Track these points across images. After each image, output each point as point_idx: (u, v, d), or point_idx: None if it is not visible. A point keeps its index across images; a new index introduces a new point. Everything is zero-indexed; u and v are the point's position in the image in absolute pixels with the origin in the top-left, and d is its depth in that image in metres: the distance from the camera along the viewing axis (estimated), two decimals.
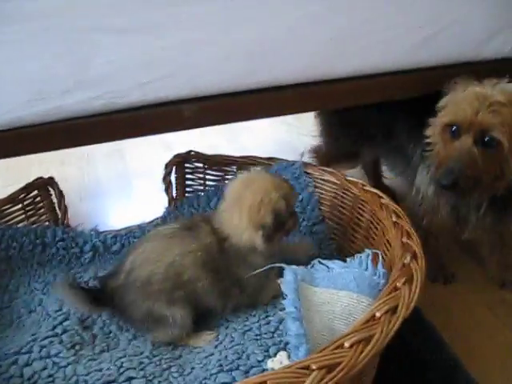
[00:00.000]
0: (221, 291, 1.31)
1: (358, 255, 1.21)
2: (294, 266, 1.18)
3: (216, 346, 1.24)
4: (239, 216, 1.27)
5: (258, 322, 1.29)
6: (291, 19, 1.31)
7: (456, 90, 1.39)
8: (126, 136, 1.34)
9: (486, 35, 1.51)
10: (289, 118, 2.95)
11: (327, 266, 1.20)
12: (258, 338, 1.24)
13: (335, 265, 1.20)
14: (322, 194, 1.56)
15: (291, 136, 2.77)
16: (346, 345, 0.91)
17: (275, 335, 1.24)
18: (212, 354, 1.21)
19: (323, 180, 1.55)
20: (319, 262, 1.21)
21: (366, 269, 1.18)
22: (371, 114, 1.77)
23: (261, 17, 1.29)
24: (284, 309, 1.09)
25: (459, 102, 1.35)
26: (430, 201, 1.57)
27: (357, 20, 1.37)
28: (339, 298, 1.14)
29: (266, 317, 1.30)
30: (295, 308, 1.06)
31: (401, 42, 1.42)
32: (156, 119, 1.32)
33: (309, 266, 1.20)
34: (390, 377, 1.32)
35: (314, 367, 0.87)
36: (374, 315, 0.97)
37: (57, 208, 1.67)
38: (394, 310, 0.99)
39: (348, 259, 1.21)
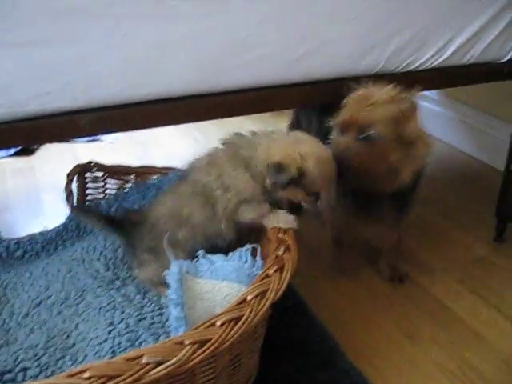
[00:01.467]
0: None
1: (239, 249, 1.33)
2: (180, 260, 1.29)
3: (110, 332, 1.31)
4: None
5: (152, 312, 1.39)
6: (178, 35, 1.41)
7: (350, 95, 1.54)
8: (27, 143, 1.41)
9: (359, 52, 1.65)
10: (197, 135, 3.08)
11: (211, 260, 1.32)
12: (152, 327, 1.34)
13: (218, 258, 1.32)
14: None
15: (198, 151, 2.86)
16: (218, 323, 1.03)
17: (166, 325, 1.35)
18: (105, 341, 1.28)
19: None
20: (203, 256, 1.33)
21: (246, 261, 1.30)
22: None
23: (150, 31, 1.38)
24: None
25: (346, 104, 1.52)
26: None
27: (239, 36, 1.48)
28: (220, 288, 1.26)
29: (160, 308, 1.40)
30: (177, 295, 1.17)
31: (280, 57, 1.55)
32: (53, 128, 1.39)
33: (194, 260, 1.32)
34: (274, 365, 1.45)
35: (187, 342, 0.98)
36: (245, 298, 1.09)
37: None
38: (263, 295, 1.11)
39: (230, 253, 1.34)
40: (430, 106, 3.08)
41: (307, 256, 1.93)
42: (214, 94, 1.53)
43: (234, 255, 1.32)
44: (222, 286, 1.26)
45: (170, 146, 2.98)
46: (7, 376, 1.21)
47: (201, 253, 1.34)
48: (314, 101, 1.70)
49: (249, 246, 1.33)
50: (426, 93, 3.01)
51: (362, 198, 1.63)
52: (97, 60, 1.37)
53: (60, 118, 1.39)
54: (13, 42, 1.29)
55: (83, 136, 1.48)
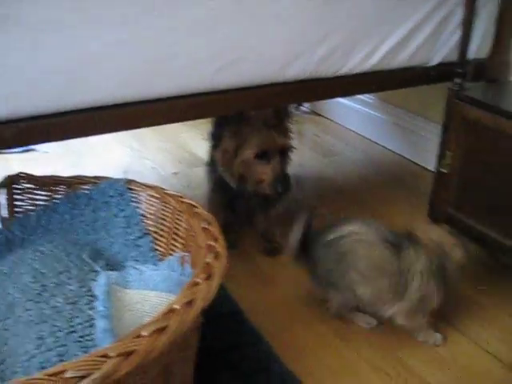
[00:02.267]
0: None
1: (168, 258, 1.32)
2: (109, 271, 1.28)
3: (39, 347, 1.27)
4: None
5: (82, 323, 1.35)
6: (100, 45, 1.41)
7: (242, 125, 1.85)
8: None
9: (286, 59, 1.67)
10: (133, 143, 3.06)
11: (140, 270, 1.31)
12: (82, 340, 1.31)
13: (147, 268, 1.31)
14: (145, 208, 1.66)
15: (134, 159, 2.86)
16: (144, 334, 1.01)
17: (95, 337, 1.31)
18: (34, 356, 1.25)
19: (146, 195, 1.65)
20: (132, 266, 1.32)
21: (175, 270, 1.29)
22: None
23: (72, 41, 1.37)
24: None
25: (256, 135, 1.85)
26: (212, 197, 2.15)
27: (162, 45, 1.49)
28: (150, 298, 1.24)
29: (91, 319, 1.36)
30: (104, 307, 1.16)
31: (204, 65, 1.55)
32: None
33: (123, 271, 1.31)
34: (210, 373, 1.45)
35: (111, 354, 0.96)
36: (172, 308, 1.08)
37: None
38: (191, 303, 1.09)
39: (159, 262, 1.33)
40: (364, 109, 3.13)
41: (242, 263, 1.94)
42: (141, 102, 1.52)
43: (163, 264, 1.31)
44: (152, 296, 1.25)
45: (107, 155, 2.94)
46: None
47: (130, 263, 1.33)
48: (243, 107, 1.71)
49: (178, 254, 1.32)
50: (360, 96, 3.05)
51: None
52: (19, 71, 1.35)
53: None
54: None
55: (9, 147, 1.45)
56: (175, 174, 2.67)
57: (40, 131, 1.44)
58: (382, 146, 3.00)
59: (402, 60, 1.93)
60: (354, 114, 3.22)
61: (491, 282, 1.91)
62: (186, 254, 1.33)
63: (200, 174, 2.58)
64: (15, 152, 2.83)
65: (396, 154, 2.91)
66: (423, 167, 2.71)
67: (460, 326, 1.71)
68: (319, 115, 3.48)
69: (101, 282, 1.22)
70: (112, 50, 1.43)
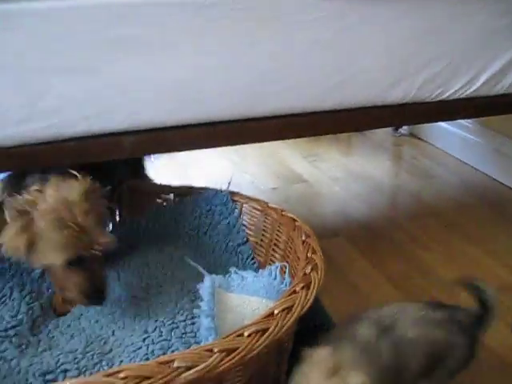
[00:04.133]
0: None
1: (269, 267, 1.41)
2: (213, 275, 1.37)
3: (144, 340, 1.37)
4: None
5: (184, 321, 1.43)
6: (213, 63, 1.52)
7: None
8: (72, 161, 1.50)
9: (391, 81, 1.73)
10: (234, 157, 3.16)
11: (242, 276, 1.40)
12: (184, 336, 1.39)
13: (248, 275, 1.40)
14: (247, 219, 1.76)
15: (235, 173, 2.94)
16: (245, 334, 1.09)
17: (197, 334, 1.40)
18: (140, 348, 1.35)
19: (248, 206, 1.75)
20: (235, 272, 1.41)
21: (275, 278, 1.38)
22: None
23: (187, 60, 1.49)
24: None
25: None
26: None
27: (276, 65, 1.58)
28: (250, 303, 1.33)
29: (192, 317, 1.44)
30: (209, 307, 1.25)
31: (313, 87, 1.63)
32: (98, 148, 1.49)
33: (226, 276, 1.40)
34: None
35: (215, 350, 1.04)
36: (272, 312, 1.15)
37: None
38: (289, 309, 1.17)
39: (260, 270, 1.41)
40: (463, 133, 3.12)
41: (336, 277, 2.00)
42: (250, 120, 1.62)
43: (264, 272, 1.40)
44: (252, 301, 1.33)
45: (209, 167, 3.05)
46: (49, 376, 1.29)
47: (233, 269, 1.42)
48: (342, 129, 1.78)
49: (278, 264, 1.40)
50: (460, 120, 3.04)
51: None
52: (140, 87, 1.48)
53: (105, 138, 1.49)
54: (63, 69, 1.41)
55: (126, 156, 1.56)
56: (274, 189, 2.75)
57: (153, 143, 1.55)
58: (481, 172, 2.98)
59: (503, 86, 1.94)
60: (452, 138, 3.21)
61: None
62: (286, 264, 1.41)
63: (298, 191, 2.66)
64: None
65: (495, 181, 2.88)
66: None
67: None
68: (418, 138, 3.49)
69: (206, 284, 1.32)
70: (228, 65, 1.54)
